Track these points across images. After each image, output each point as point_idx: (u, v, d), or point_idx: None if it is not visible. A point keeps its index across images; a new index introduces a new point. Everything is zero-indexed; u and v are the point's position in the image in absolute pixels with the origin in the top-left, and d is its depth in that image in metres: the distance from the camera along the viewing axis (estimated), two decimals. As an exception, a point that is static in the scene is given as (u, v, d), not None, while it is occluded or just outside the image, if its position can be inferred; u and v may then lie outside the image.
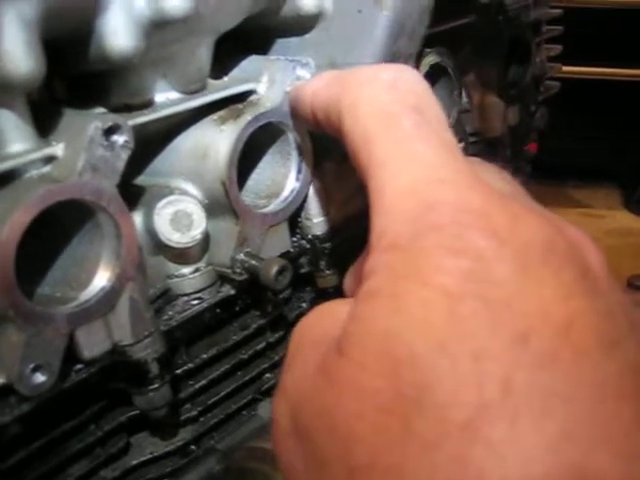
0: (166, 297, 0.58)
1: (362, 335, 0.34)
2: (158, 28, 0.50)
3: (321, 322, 0.42)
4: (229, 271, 0.58)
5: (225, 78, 0.62)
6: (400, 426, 0.31)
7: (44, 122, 0.50)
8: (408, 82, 0.42)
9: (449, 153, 0.38)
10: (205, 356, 0.62)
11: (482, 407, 0.29)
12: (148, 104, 0.56)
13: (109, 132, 0.48)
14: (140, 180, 0.58)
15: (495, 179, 0.43)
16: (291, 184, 0.61)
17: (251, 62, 0.61)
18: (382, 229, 0.36)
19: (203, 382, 0.63)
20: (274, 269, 0.55)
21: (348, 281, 0.52)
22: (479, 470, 0.29)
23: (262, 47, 0.64)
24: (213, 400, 0.65)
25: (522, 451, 0.28)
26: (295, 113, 0.56)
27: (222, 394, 0.65)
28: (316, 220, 0.64)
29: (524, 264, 0.32)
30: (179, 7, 0.48)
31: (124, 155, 0.49)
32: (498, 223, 0.34)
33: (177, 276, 0.58)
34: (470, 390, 0.30)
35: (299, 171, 0.61)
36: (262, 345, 0.67)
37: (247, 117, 0.56)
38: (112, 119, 0.48)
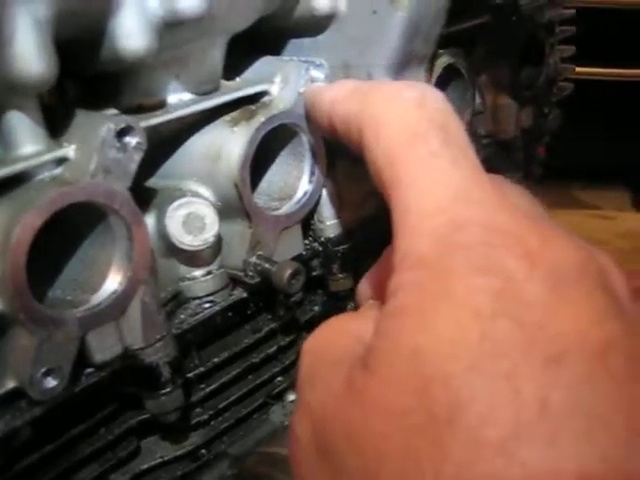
0: (177, 300, 0.57)
1: (390, 352, 0.34)
2: (171, 28, 0.49)
3: (338, 339, 0.42)
4: (242, 274, 0.57)
5: (237, 79, 0.61)
6: (431, 447, 0.30)
7: (55, 123, 0.49)
8: (434, 101, 0.42)
9: (475, 173, 0.38)
10: (217, 360, 0.61)
11: (518, 427, 0.29)
12: (160, 105, 0.55)
13: (121, 133, 0.47)
14: (151, 182, 0.58)
15: (519, 199, 0.43)
16: (304, 186, 0.61)
17: (264, 63, 0.61)
18: (408, 247, 0.36)
19: (214, 386, 0.63)
20: (287, 272, 0.55)
21: (362, 289, 0.51)
22: None
23: (274, 47, 0.64)
24: (224, 404, 0.64)
25: (560, 473, 0.28)
26: (310, 118, 0.55)
27: (233, 398, 0.65)
28: (329, 222, 0.64)
29: (555, 285, 0.32)
30: (193, 7, 0.47)
31: (137, 157, 0.48)
32: (528, 244, 0.34)
33: (189, 279, 0.58)
34: (505, 410, 0.29)
35: (312, 173, 0.61)
36: (273, 349, 0.67)
37: (260, 119, 0.55)
38: (124, 120, 0.47)
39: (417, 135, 0.39)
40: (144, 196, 0.55)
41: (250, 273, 0.57)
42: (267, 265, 0.56)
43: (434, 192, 0.37)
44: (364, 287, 0.51)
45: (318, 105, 0.51)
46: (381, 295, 0.45)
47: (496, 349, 0.31)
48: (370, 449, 0.33)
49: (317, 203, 0.62)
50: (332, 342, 0.42)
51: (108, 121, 0.47)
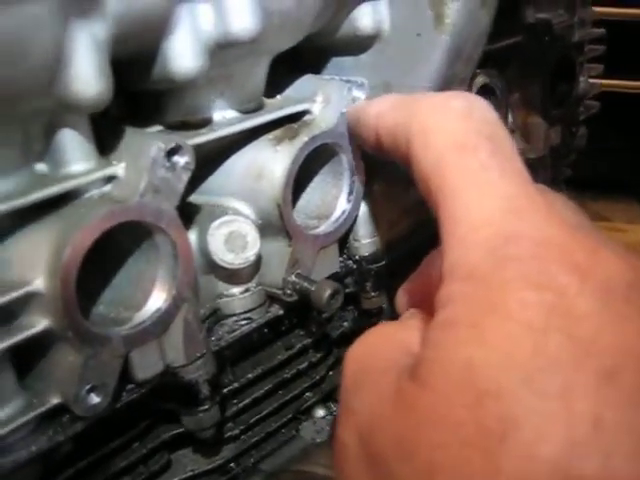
0: (215, 317, 0.57)
1: (442, 364, 0.34)
2: (222, 49, 0.49)
3: (384, 347, 0.42)
4: (280, 292, 0.57)
5: (278, 97, 0.61)
6: (484, 461, 0.30)
7: (103, 140, 0.50)
8: (481, 111, 0.42)
9: (524, 184, 0.38)
10: (250, 375, 0.62)
11: (573, 444, 0.29)
12: (205, 122, 0.55)
13: (171, 153, 0.48)
14: (192, 198, 0.58)
15: (565, 209, 0.43)
16: (342, 205, 0.61)
17: (305, 81, 0.61)
18: (457, 259, 0.36)
19: (247, 401, 0.63)
20: (327, 292, 0.55)
21: (401, 297, 0.51)
22: None
23: (315, 65, 0.64)
24: (255, 419, 0.65)
25: None
26: (354, 134, 0.55)
27: (264, 413, 0.65)
28: (364, 241, 0.64)
29: (606, 301, 0.32)
30: (247, 30, 0.47)
31: (185, 177, 0.49)
32: (578, 258, 0.34)
33: (227, 296, 0.58)
34: (559, 426, 0.29)
35: (350, 192, 0.61)
36: (304, 365, 0.67)
37: (303, 138, 0.55)
38: (174, 140, 0.48)
39: (466, 146, 0.39)
40: (185, 212, 0.55)
41: (288, 291, 0.57)
42: (306, 284, 0.56)
43: (484, 203, 0.37)
44: (403, 296, 0.51)
45: (364, 120, 0.50)
46: (421, 303, 0.45)
47: (549, 364, 0.31)
48: (422, 459, 0.33)
49: (354, 222, 0.62)
50: (378, 350, 0.42)
51: (158, 140, 0.47)
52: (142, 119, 0.55)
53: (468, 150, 0.39)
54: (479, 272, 0.35)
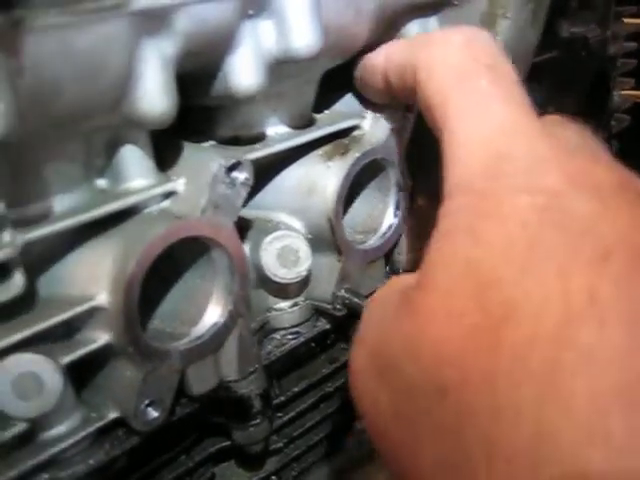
0: (264, 331, 0.58)
1: (443, 265, 0.36)
2: (282, 65, 0.49)
3: (393, 281, 0.44)
4: (329, 307, 0.58)
5: (326, 112, 0.62)
6: (490, 341, 0.32)
7: (161, 155, 0.50)
8: (482, 42, 0.44)
9: (522, 109, 0.40)
10: (296, 389, 0.62)
11: (570, 314, 0.30)
12: (258, 138, 0.55)
13: (231, 169, 0.48)
14: (244, 212, 0.58)
15: (567, 134, 0.43)
16: (389, 220, 0.61)
17: (353, 97, 0.61)
18: (457, 177, 0.38)
19: (291, 414, 0.63)
20: (378, 308, 0.55)
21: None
22: (571, 373, 0.29)
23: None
24: (298, 432, 0.65)
25: (611, 353, 0.29)
26: (365, 81, 0.56)
27: (307, 426, 0.65)
28: (408, 255, 0.64)
29: (599, 197, 0.34)
30: (308, 47, 0.47)
31: (244, 192, 0.49)
32: (571, 168, 0.36)
33: (276, 310, 0.58)
34: (557, 301, 0.31)
35: (397, 207, 0.61)
36: (346, 378, 0.67)
37: (355, 154, 0.56)
38: (235, 156, 0.48)
39: (467, 75, 0.42)
40: (237, 226, 0.56)
41: (338, 306, 0.57)
42: (355, 299, 0.57)
43: (482, 127, 0.39)
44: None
45: (373, 63, 0.53)
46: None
47: (545, 253, 0.32)
48: (431, 353, 0.34)
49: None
50: (386, 287, 0.44)
51: (219, 157, 0.48)
52: (192, 132, 0.55)
53: (469, 79, 0.42)
54: (474, 187, 0.37)
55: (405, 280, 0.41)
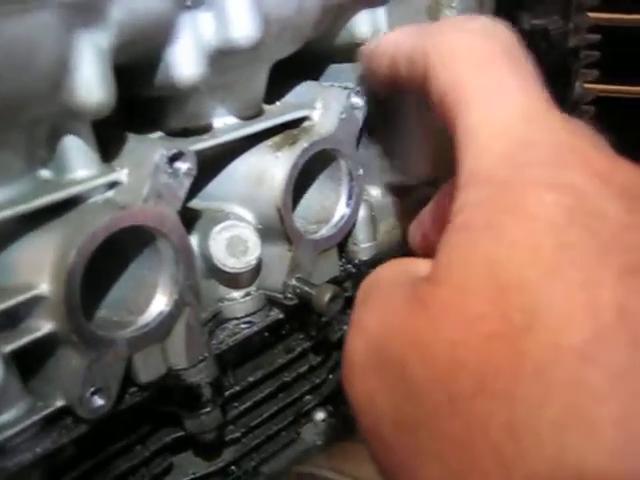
0: (216, 320, 0.58)
1: (461, 263, 0.33)
2: (223, 56, 0.50)
3: (398, 264, 0.41)
4: (280, 296, 0.58)
5: (277, 103, 0.62)
6: (509, 351, 0.29)
7: (106, 146, 0.50)
8: (499, 32, 0.41)
9: (541, 97, 0.37)
10: (251, 379, 0.62)
11: (598, 331, 0.28)
12: (206, 129, 0.56)
13: (173, 159, 0.48)
14: (193, 203, 0.59)
15: (585, 130, 0.42)
16: (341, 210, 0.62)
17: (304, 88, 0.62)
18: (474, 167, 0.36)
19: (247, 404, 0.63)
20: (327, 296, 0.56)
21: (413, 233, 0.50)
22: (598, 397, 0.27)
23: (314, 72, 0.65)
24: (256, 422, 0.65)
25: None
26: (368, 69, 0.53)
27: (265, 416, 0.66)
28: (363, 245, 0.64)
29: (627, 202, 0.32)
30: (248, 37, 0.48)
31: (187, 182, 0.49)
32: (597, 164, 0.33)
33: (228, 300, 0.58)
34: (584, 315, 0.29)
35: (350, 197, 0.61)
36: (305, 368, 0.68)
37: (303, 144, 0.56)
38: (176, 146, 0.48)
39: (483, 62, 0.39)
40: (186, 217, 0.56)
41: (289, 295, 0.58)
42: (306, 288, 0.57)
43: (500, 114, 0.36)
44: (416, 229, 0.49)
45: (380, 50, 0.50)
46: (435, 236, 0.42)
47: (572, 258, 0.30)
48: (443, 357, 0.31)
49: (353, 226, 0.63)
50: (391, 268, 0.41)
51: (161, 147, 0.48)
52: (141, 125, 0.56)
53: (485, 66, 0.39)
54: (495, 177, 0.34)
55: (410, 266, 0.39)
